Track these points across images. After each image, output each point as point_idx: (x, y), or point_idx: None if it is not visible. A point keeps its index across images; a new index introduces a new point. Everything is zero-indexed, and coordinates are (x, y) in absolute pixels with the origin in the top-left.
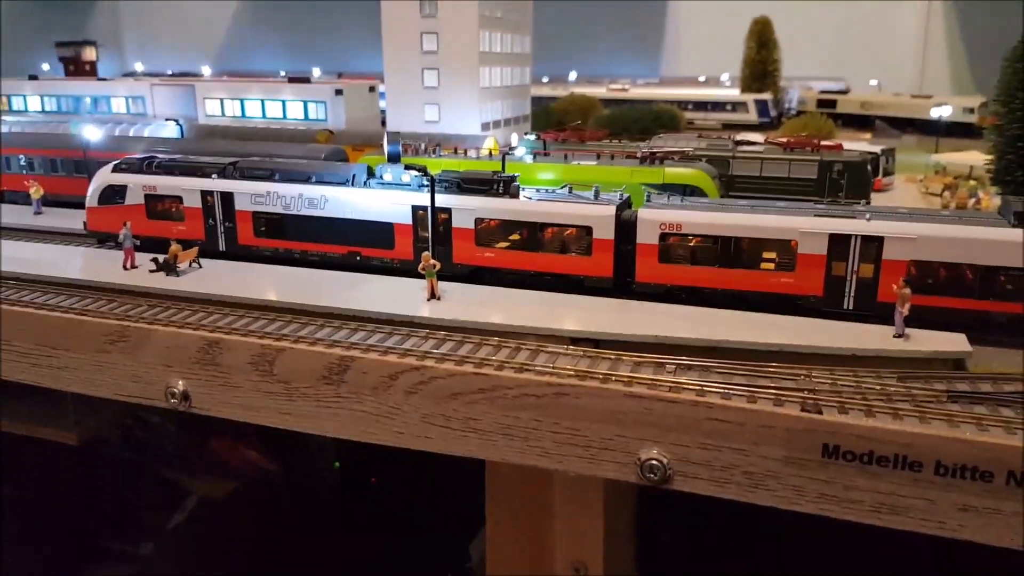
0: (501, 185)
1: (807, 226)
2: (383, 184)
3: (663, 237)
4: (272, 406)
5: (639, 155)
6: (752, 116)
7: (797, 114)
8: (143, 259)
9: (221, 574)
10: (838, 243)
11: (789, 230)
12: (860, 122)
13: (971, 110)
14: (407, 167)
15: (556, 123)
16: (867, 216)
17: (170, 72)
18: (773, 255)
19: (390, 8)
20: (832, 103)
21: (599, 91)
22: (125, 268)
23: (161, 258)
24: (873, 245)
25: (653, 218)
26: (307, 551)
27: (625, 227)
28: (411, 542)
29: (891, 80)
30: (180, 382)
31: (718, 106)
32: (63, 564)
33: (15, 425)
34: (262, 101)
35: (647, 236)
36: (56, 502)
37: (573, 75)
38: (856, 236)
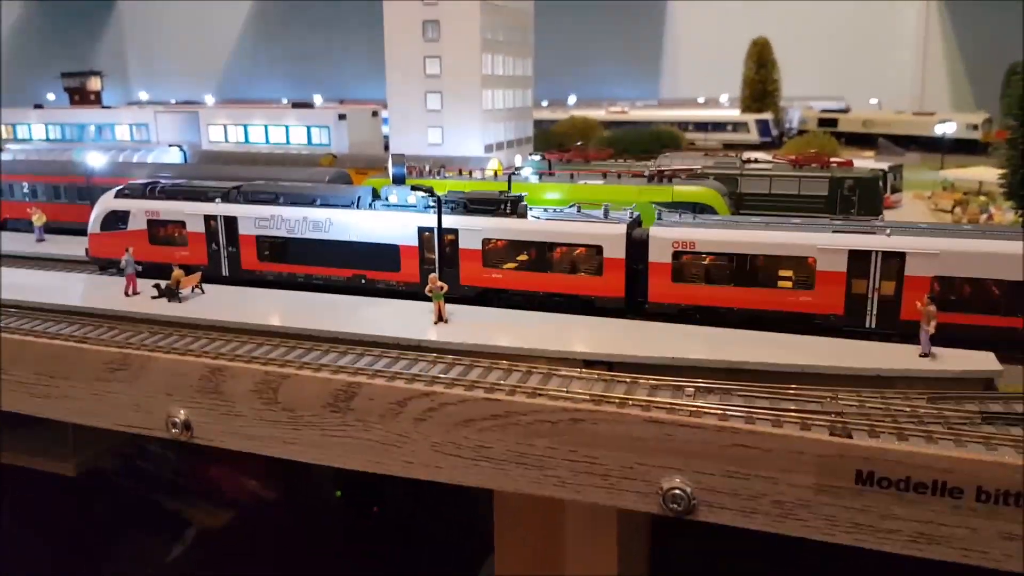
0: (508, 205)
1: (826, 242)
2: (388, 206)
3: (676, 255)
4: (276, 435)
5: (647, 173)
6: (753, 136)
7: (798, 134)
8: (145, 285)
9: None
10: (858, 260)
11: (807, 247)
12: (862, 140)
13: (975, 127)
14: (413, 188)
15: (556, 146)
16: (887, 231)
17: (173, 101)
18: (791, 273)
19: (393, 32)
20: (834, 122)
21: (598, 114)
22: (127, 294)
23: (163, 284)
24: (895, 261)
25: (666, 236)
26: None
27: (636, 246)
28: (416, 568)
29: (890, 97)
30: (181, 411)
31: (719, 126)
32: None
33: (12, 456)
34: (265, 127)
35: (660, 255)
36: (54, 533)
37: (572, 98)
38: (877, 252)
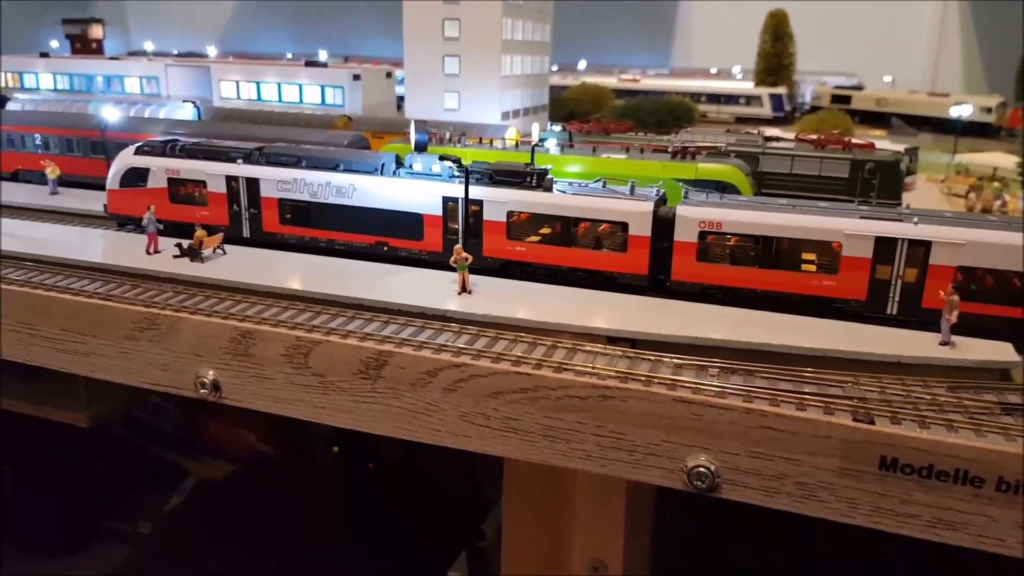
0: (535, 178)
1: (852, 228)
2: (413, 174)
3: (702, 235)
4: (306, 399)
5: (670, 149)
6: (766, 110)
7: (811, 109)
8: (166, 244)
9: (218, 556)
10: (884, 246)
11: (834, 231)
12: (875, 119)
13: (988, 110)
14: (441, 158)
15: (568, 113)
16: (915, 220)
17: (175, 52)
18: (815, 257)
19: None
20: (847, 99)
21: (610, 81)
22: (148, 253)
23: (185, 243)
24: (920, 250)
25: (692, 216)
26: (308, 533)
27: (662, 224)
28: (411, 525)
29: (902, 76)
30: (210, 372)
31: (732, 99)
32: (63, 542)
33: (25, 406)
34: (279, 85)
35: (685, 234)
36: (58, 481)
37: (582, 64)
38: (903, 240)
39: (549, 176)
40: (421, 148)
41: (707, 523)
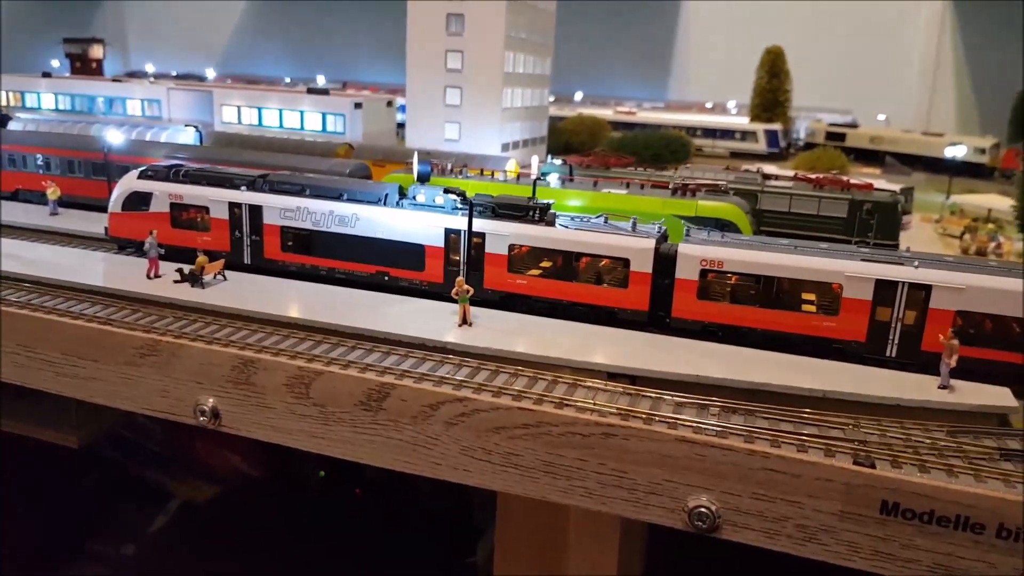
0: (537, 212)
1: (853, 270)
2: (416, 205)
3: (703, 273)
4: (306, 429)
5: (671, 186)
6: (761, 146)
7: (806, 146)
8: (167, 268)
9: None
10: (884, 289)
11: (835, 273)
12: (869, 157)
13: (983, 151)
14: (446, 191)
15: (564, 143)
16: (915, 263)
17: (175, 73)
18: (816, 297)
19: (416, 24)
20: (841, 136)
21: (606, 113)
22: (149, 277)
23: (186, 269)
24: (920, 293)
25: (694, 253)
26: (294, 558)
27: (663, 261)
28: (398, 552)
29: (896, 114)
30: (210, 399)
31: (727, 134)
32: (47, 564)
33: (16, 426)
34: (280, 111)
35: (687, 272)
36: (44, 503)
37: (579, 95)
38: (903, 283)
39: (552, 211)
40: (424, 179)
41: (699, 555)
